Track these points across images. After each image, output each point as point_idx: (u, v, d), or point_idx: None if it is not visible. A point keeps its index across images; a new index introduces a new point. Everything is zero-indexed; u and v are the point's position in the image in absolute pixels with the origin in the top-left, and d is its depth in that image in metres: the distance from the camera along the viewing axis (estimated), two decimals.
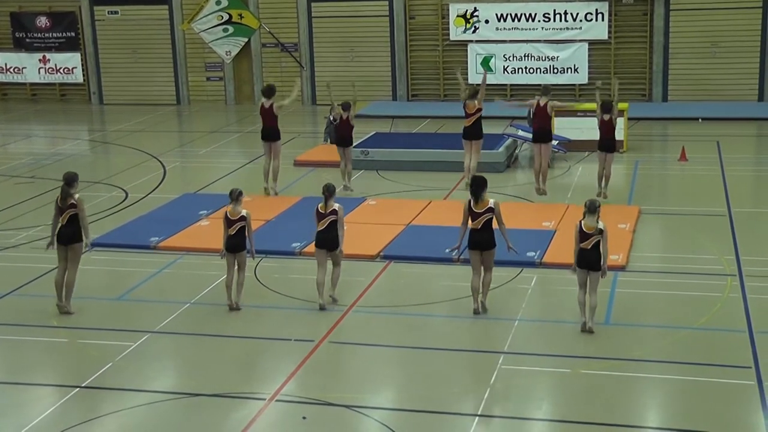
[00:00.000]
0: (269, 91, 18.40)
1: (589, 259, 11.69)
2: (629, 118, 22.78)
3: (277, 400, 10.17)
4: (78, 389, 10.53)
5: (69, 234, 12.60)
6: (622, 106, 22.91)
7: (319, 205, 12.89)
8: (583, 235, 11.69)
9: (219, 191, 19.22)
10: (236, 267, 12.79)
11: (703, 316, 12.14)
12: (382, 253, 14.81)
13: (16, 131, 27.76)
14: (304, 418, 9.79)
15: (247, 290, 13.26)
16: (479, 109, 17.98)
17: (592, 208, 11.66)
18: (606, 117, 17.10)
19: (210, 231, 16.00)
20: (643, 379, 10.50)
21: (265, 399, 10.19)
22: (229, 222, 12.68)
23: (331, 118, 23.21)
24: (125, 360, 11.28)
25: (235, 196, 12.70)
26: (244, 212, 12.66)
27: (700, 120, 25.94)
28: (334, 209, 12.73)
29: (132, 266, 14.55)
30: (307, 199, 17.93)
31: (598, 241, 11.64)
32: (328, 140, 23.23)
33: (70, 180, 12.72)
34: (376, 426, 9.65)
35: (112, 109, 31.64)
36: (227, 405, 10.09)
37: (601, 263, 11.71)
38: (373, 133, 23.25)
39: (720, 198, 17.85)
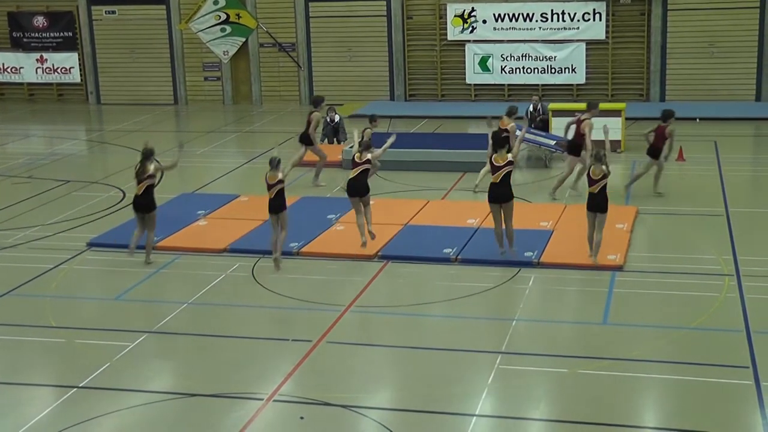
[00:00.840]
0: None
1: (596, 201, 13.55)
2: (627, 118, 22.80)
3: (274, 401, 10.16)
4: (75, 389, 10.52)
5: (144, 203, 14.39)
6: (619, 106, 22.98)
7: (355, 155, 14.64)
8: (590, 181, 13.53)
9: (217, 191, 19.23)
10: (279, 227, 14.03)
11: (701, 316, 12.15)
12: (379, 253, 14.80)
13: (13, 131, 27.72)
14: (301, 418, 9.79)
15: (245, 290, 13.29)
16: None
17: (598, 157, 13.53)
18: (663, 124, 17.51)
19: (208, 231, 16.01)
20: (640, 378, 10.50)
21: (262, 399, 10.18)
22: (268, 186, 13.92)
23: (329, 119, 23.26)
24: (123, 360, 11.28)
25: (275, 164, 13.91)
26: (280, 175, 13.89)
27: (697, 120, 25.93)
28: (369, 159, 14.59)
29: (129, 266, 14.53)
30: (305, 199, 17.92)
31: (604, 186, 13.45)
32: (326, 140, 23.24)
33: (148, 154, 14.51)
34: (374, 426, 9.65)
35: (110, 108, 31.60)
36: (225, 405, 10.08)
37: (606, 203, 13.55)
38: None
39: (717, 198, 17.85)
